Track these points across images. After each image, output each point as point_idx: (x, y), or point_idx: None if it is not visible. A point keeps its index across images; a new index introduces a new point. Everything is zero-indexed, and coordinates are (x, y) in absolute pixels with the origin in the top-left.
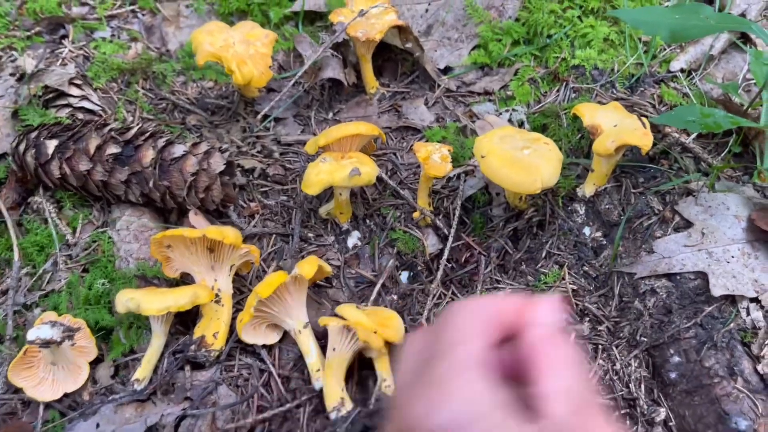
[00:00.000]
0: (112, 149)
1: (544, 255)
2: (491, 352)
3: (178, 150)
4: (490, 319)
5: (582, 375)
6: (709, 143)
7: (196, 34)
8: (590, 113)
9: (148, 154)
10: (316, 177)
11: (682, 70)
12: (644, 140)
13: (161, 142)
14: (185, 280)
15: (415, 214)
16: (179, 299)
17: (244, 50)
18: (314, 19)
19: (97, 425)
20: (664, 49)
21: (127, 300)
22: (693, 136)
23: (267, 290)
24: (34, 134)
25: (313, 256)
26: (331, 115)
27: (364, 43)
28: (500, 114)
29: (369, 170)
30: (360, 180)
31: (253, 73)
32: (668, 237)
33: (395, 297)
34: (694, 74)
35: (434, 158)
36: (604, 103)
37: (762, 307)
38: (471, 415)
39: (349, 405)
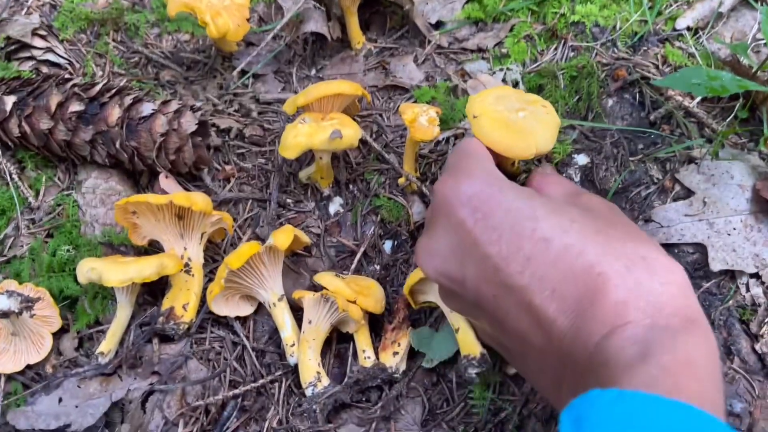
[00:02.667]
0: (75, 107)
1: None
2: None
3: (147, 108)
4: None
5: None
6: (714, 107)
7: None
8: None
9: (114, 113)
10: (294, 140)
11: (688, 29)
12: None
13: (128, 100)
14: (154, 247)
15: (401, 180)
16: (144, 270)
17: (219, 1)
18: None
19: (60, 400)
20: (671, 5)
21: (88, 270)
22: (697, 99)
23: (238, 261)
24: None
25: (289, 225)
26: (314, 71)
27: None
28: (494, 73)
29: (351, 133)
30: (341, 143)
31: (228, 26)
32: (668, 205)
33: (378, 267)
34: (701, 33)
35: (421, 121)
36: (605, 63)
37: (762, 282)
38: (489, 187)
39: (325, 380)
